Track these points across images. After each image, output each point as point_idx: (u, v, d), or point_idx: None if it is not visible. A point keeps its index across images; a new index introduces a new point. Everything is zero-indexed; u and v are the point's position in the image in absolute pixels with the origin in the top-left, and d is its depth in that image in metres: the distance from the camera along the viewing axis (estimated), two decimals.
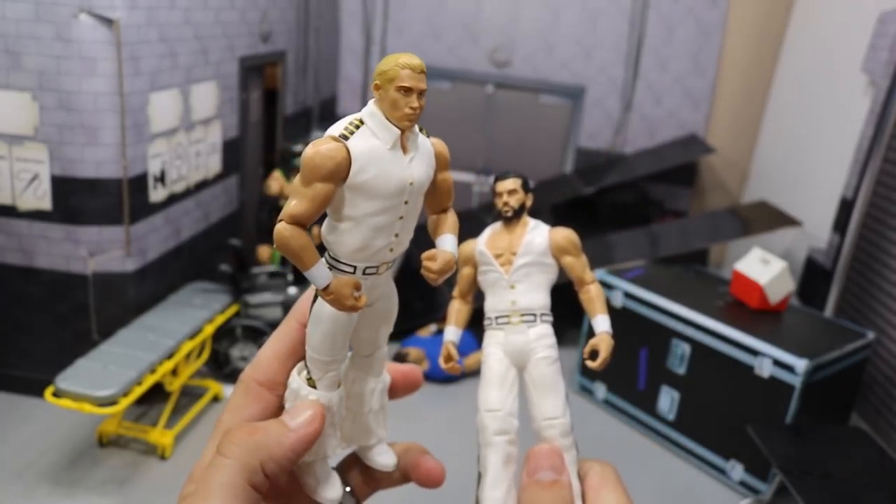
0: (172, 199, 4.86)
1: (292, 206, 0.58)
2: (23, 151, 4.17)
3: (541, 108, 8.13)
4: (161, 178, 4.68)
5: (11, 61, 4.02)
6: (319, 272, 0.60)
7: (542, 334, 0.77)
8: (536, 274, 0.79)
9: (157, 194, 4.65)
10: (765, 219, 6.12)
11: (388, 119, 0.61)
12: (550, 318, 0.79)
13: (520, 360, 0.76)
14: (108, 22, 4.04)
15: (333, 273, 0.62)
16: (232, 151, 5.74)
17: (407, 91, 0.60)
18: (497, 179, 0.85)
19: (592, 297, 0.82)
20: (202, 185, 5.29)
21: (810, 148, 6.49)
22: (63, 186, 4.24)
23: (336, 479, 0.68)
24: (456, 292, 0.87)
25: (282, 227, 0.58)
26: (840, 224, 5.36)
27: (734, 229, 6.39)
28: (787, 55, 7.44)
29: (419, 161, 0.63)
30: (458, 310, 0.87)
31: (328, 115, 7.80)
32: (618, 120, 7.95)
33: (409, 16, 7.95)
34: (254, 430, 0.61)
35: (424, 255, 0.64)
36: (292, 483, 0.68)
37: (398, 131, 0.61)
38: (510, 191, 0.82)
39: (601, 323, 0.81)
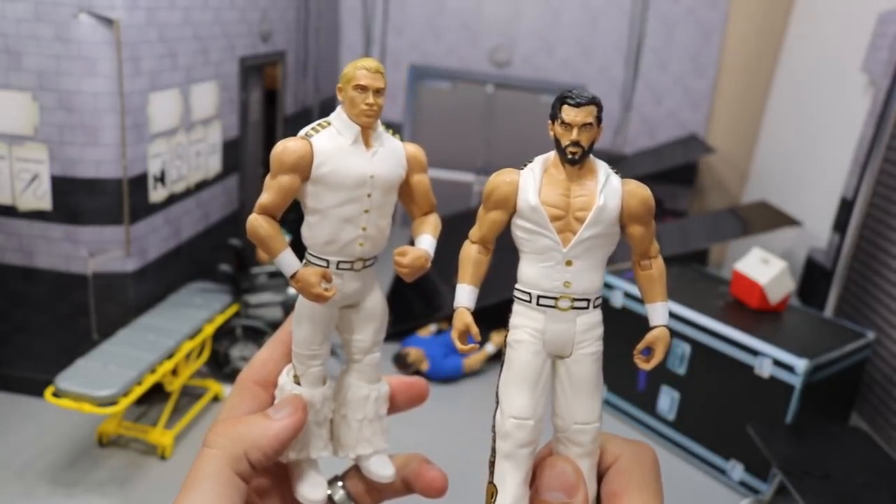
0: (172, 199, 4.86)
1: (261, 198, 0.64)
2: (23, 151, 4.17)
3: (541, 108, 8.12)
4: (161, 178, 4.68)
5: (11, 61, 4.02)
6: (286, 260, 0.64)
7: (593, 324, 0.63)
8: (600, 248, 0.63)
9: (157, 194, 4.65)
10: (765, 219, 6.12)
11: (348, 117, 0.65)
12: (601, 300, 0.65)
13: (559, 351, 0.63)
14: (108, 22, 4.04)
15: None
16: (232, 151, 5.74)
17: (363, 89, 0.64)
18: (563, 101, 0.62)
19: (654, 276, 0.65)
20: (202, 185, 5.29)
21: (810, 148, 6.49)
22: (63, 186, 4.24)
23: (320, 482, 0.68)
24: (474, 235, 0.66)
25: (252, 218, 0.64)
26: (840, 224, 5.36)
27: (734, 229, 6.39)
28: (787, 55, 7.44)
29: (383, 157, 0.66)
30: (475, 261, 0.65)
31: (328, 115, 7.78)
32: (618, 120, 7.95)
33: (409, 16, 7.95)
34: (238, 421, 0.63)
35: (396, 250, 0.66)
36: (284, 483, 0.69)
37: (358, 127, 0.65)
38: (585, 125, 0.62)
39: (659, 313, 0.64)
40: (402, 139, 0.70)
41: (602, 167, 0.64)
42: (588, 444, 0.61)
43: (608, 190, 0.62)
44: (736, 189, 8.11)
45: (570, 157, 0.61)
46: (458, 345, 0.63)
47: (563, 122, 0.62)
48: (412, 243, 0.69)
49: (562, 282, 0.62)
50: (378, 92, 0.64)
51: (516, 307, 0.63)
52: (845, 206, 5.33)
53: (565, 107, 0.62)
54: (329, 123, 0.66)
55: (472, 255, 0.65)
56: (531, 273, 0.62)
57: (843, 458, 3.69)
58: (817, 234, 5.95)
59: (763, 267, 4.56)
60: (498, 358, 5.60)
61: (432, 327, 5.66)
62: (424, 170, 0.70)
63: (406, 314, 5.76)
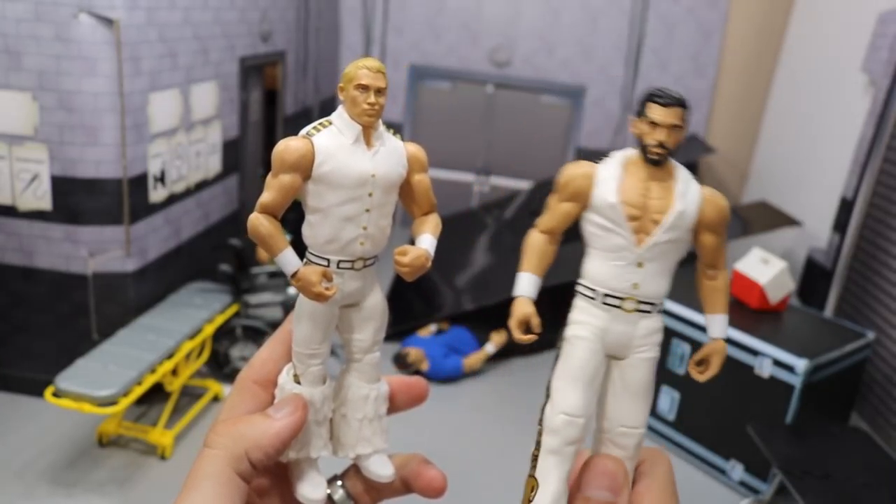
0: (172, 199, 4.86)
1: (262, 197, 0.64)
2: (23, 151, 4.17)
3: (541, 108, 8.13)
4: (161, 178, 4.68)
5: (11, 61, 4.02)
6: (287, 258, 0.64)
7: (653, 329, 0.63)
8: (672, 253, 0.63)
9: (157, 194, 4.65)
10: (765, 219, 6.12)
11: (350, 116, 0.66)
12: (663, 307, 0.64)
13: (616, 353, 0.63)
14: (108, 22, 4.04)
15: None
16: (232, 151, 5.74)
17: (364, 88, 0.64)
18: (653, 99, 0.61)
19: (719, 288, 0.66)
20: (202, 185, 5.29)
21: (810, 148, 6.49)
22: (63, 186, 4.24)
23: (320, 481, 0.68)
24: (542, 224, 0.66)
25: (253, 216, 0.64)
26: (840, 224, 5.36)
27: (734, 229, 6.38)
28: (787, 55, 7.44)
29: (384, 157, 0.67)
30: (540, 251, 0.65)
31: (328, 114, 7.78)
32: (618, 120, 7.95)
33: (409, 16, 7.95)
34: (238, 421, 0.63)
35: (396, 249, 0.66)
36: (284, 483, 0.69)
37: (359, 127, 0.66)
38: (673, 126, 0.61)
39: (719, 325, 0.65)
40: (402, 139, 0.70)
41: (682, 171, 0.62)
42: (631, 449, 0.62)
43: (688, 195, 0.61)
44: (736, 189, 8.11)
45: (653, 156, 0.60)
46: (517, 335, 0.63)
47: (650, 121, 0.60)
48: (412, 243, 0.69)
49: (631, 283, 0.61)
50: (379, 91, 0.65)
51: (579, 303, 0.62)
52: (845, 206, 5.33)
53: (654, 106, 0.60)
54: (330, 123, 0.67)
55: (537, 243, 0.65)
56: (601, 270, 0.61)
57: (843, 458, 3.69)
58: (817, 234, 5.95)
59: (763, 267, 4.56)
60: (498, 357, 5.57)
61: (432, 327, 5.66)
62: (425, 169, 0.71)
63: (406, 314, 5.76)
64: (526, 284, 0.64)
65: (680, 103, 0.60)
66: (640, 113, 0.61)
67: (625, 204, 0.60)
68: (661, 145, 0.60)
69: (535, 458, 0.62)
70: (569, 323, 0.62)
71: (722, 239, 0.64)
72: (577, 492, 0.60)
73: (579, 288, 0.63)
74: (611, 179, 0.61)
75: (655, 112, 0.60)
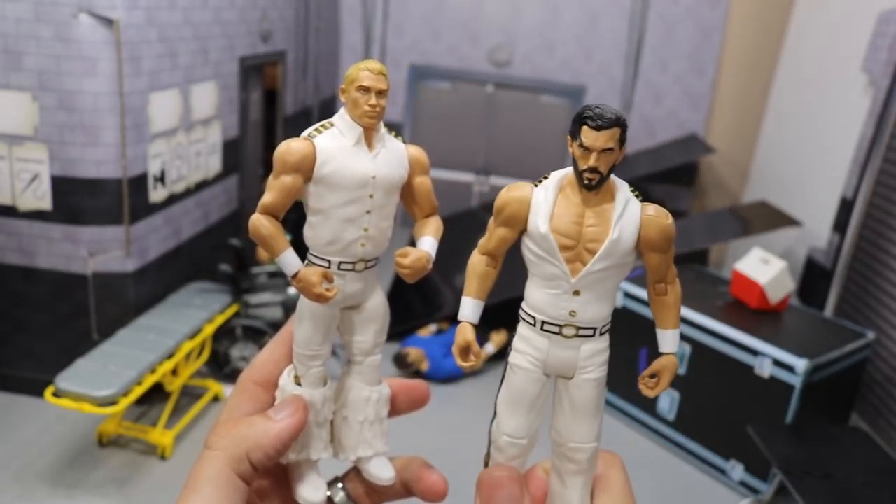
0: (172, 199, 4.86)
1: (264, 198, 0.64)
2: (23, 151, 4.17)
3: (541, 108, 8.13)
4: (161, 178, 4.68)
5: (11, 61, 4.02)
6: (288, 259, 0.64)
7: (597, 351, 0.62)
8: (611, 278, 0.60)
9: (157, 194, 4.65)
10: (765, 219, 6.11)
11: (351, 118, 0.66)
12: (609, 326, 0.63)
13: (561, 373, 0.62)
14: (108, 22, 4.04)
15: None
16: (232, 151, 5.74)
17: (365, 90, 0.64)
18: (583, 121, 0.57)
19: (668, 302, 0.63)
20: (202, 185, 5.29)
21: (810, 148, 6.49)
22: (63, 186, 4.23)
23: (319, 483, 0.68)
24: (483, 247, 0.64)
25: (254, 217, 0.64)
26: (840, 224, 5.35)
27: (734, 229, 6.39)
28: (787, 55, 7.44)
29: (385, 158, 0.67)
30: (482, 274, 0.63)
31: (328, 114, 7.68)
32: None
33: (409, 16, 7.95)
34: (239, 422, 0.63)
35: (398, 251, 0.67)
36: (284, 485, 0.69)
37: (361, 128, 0.66)
38: (605, 150, 0.57)
39: (669, 340, 0.63)
40: (403, 140, 0.70)
41: (622, 190, 0.60)
42: (583, 463, 0.62)
43: (625, 219, 0.59)
44: (736, 189, 8.11)
45: (586, 182, 0.58)
46: (459, 361, 0.62)
47: (581, 145, 0.57)
48: (413, 244, 0.69)
49: (568, 311, 0.60)
50: (381, 93, 0.65)
51: (521, 329, 0.62)
52: (845, 206, 5.33)
53: (585, 128, 0.57)
54: (332, 124, 0.67)
55: (478, 267, 0.64)
56: (538, 298, 0.60)
57: (843, 458, 3.69)
58: (817, 234, 5.94)
59: (763, 267, 4.56)
60: (498, 357, 5.56)
61: (432, 327, 5.66)
62: (426, 171, 0.71)
63: (406, 314, 5.76)
64: (468, 310, 0.63)
65: (614, 124, 0.57)
66: (574, 134, 0.58)
67: (556, 234, 0.58)
68: (593, 170, 0.57)
69: (486, 466, 0.65)
70: (512, 349, 0.62)
71: (668, 256, 0.61)
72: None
73: (521, 313, 0.62)
74: (544, 205, 0.59)
75: (586, 136, 0.57)
